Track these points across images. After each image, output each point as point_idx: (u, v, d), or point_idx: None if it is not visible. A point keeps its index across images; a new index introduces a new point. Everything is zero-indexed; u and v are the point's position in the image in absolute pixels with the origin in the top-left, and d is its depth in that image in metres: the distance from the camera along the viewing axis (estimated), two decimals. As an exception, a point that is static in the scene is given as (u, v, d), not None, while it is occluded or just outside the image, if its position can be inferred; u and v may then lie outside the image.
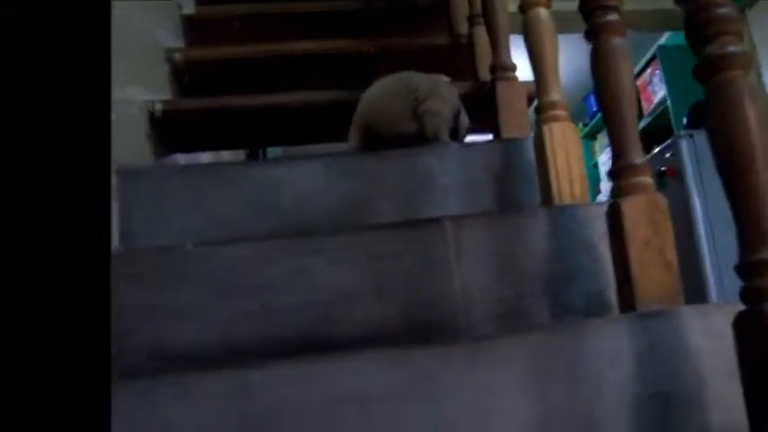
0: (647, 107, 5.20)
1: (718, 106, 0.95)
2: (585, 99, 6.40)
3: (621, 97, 1.23)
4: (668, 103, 4.80)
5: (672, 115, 4.73)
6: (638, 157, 1.24)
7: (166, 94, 2.22)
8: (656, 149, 4.15)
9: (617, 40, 1.25)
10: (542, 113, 1.61)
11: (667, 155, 3.91)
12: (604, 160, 6.21)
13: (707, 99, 0.96)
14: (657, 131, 4.83)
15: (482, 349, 1.02)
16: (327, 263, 1.32)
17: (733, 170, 0.93)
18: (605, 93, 1.24)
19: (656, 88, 5.07)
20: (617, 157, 1.24)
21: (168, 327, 1.29)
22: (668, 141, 3.97)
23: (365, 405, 0.99)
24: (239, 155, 3.31)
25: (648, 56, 5.11)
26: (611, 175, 1.25)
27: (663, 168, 3.88)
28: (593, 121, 6.36)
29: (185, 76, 2.38)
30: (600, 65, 1.25)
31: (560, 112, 1.60)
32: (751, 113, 0.93)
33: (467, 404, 1.00)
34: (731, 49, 0.95)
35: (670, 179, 3.82)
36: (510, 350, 1.03)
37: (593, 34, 1.26)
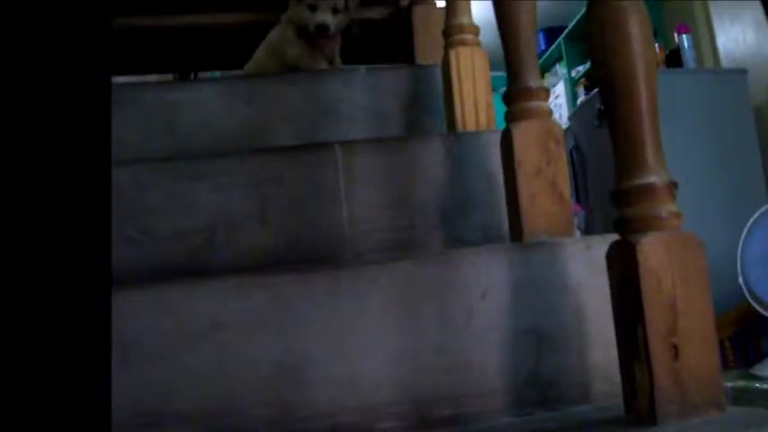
0: (595, 44, 5.13)
1: (599, 21, 0.90)
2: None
3: (517, 16, 1.17)
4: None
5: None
6: (534, 81, 1.18)
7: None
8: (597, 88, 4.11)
9: None
10: (449, 37, 1.54)
11: (608, 92, 3.87)
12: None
13: (588, 14, 0.91)
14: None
15: (345, 277, 0.98)
16: (211, 188, 1.26)
17: (613, 89, 0.89)
18: (501, 14, 1.18)
19: (605, 25, 5.00)
20: (511, 80, 1.19)
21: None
22: (609, 79, 3.92)
23: (219, 333, 0.94)
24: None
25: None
26: (505, 99, 1.20)
27: (602, 107, 3.85)
28: (539, 60, 6.31)
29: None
30: None
31: (468, 36, 1.54)
32: (634, 30, 0.88)
33: (325, 336, 0.96)
34: (613, -39, 0.89)
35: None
36: (377, 279, 0.98)
37: None
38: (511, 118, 1.18)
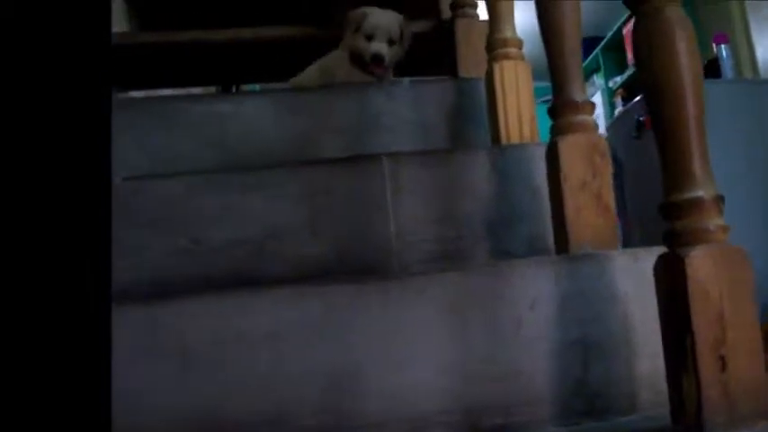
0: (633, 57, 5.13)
1: (646, 36, 0.91)
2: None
3: (563, 30, 1.19)
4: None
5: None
6: (579, 94, 1.20)
7: (122, 28, 2.17)
8: (636, 99, 4.10)
9: None
10: (493, 50, 1.56)
11: (646, 103, 3.85)
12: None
13: (635, 28, 0.93)
14: (641, 80, 4.76)
15: (396, 287, 1.00)
16: (262, 198, 1.29)
17: (660, 103, 0.90)
18: (545, 25, 1.20)
19: (642, 36, 4.98)
20: (557, 93, 1.21)
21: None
22: (648, 90, 3.91)
23: (275, 340, 0.97)
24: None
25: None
26: (551, 112, 1.21)
27: (641, 118, 3.83)
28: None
29: (141, 12, 2.32)
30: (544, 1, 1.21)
31: (512, 50, 1.56)
32: (681, 45, 0.89)
33: (377, 343, 0.98)
34: (660, -23, 0.91)
35: (647, 129, 3.77)
36: (427, 289, 1.01)
37: None
38: (557, 131, 1.20)
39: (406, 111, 1.65)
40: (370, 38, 1.80)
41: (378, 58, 1.79)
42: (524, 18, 1.72)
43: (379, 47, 1.79)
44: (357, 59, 1.82)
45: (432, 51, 2.03)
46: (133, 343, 0.97)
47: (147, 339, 0.97)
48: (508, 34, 1.57)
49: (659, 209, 0.90)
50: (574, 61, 1.21)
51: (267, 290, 1.01)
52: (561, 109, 1.20)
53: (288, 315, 0.98)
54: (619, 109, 5.00)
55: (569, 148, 1.17)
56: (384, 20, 1.81)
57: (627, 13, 5.04)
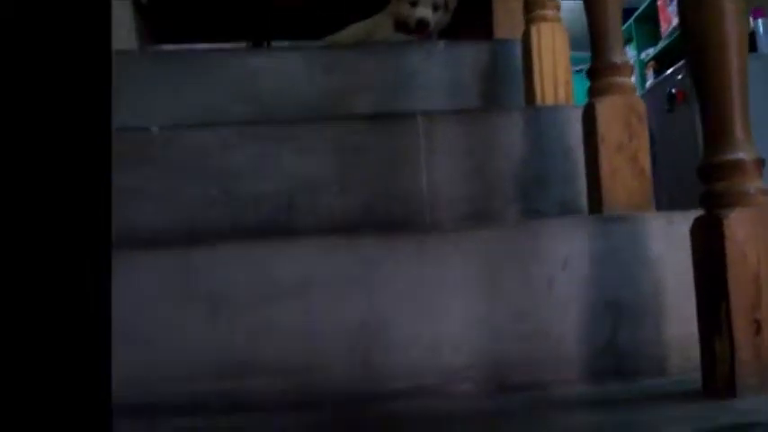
0: (666, 29, 5.06)
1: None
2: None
3: (603, -7, 1.18)
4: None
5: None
6: (618, 57, 1.19)
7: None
8: (668, 71, 4.05)
9: None
10: (530, 12, 1.55)
11: (679, 77, 3.81)
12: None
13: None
14: (675, 54, 4.71)
15: (429, 241, 1.00)
16: (293, 151, 1.29)
17: (704, 64, 0.89)
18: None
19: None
20: (596, 55, 1.19)
21: (134, 209, 1.27)
22: (680, 63, 3.87)
23: (305, 290, 0.97)
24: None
25: (671, -26, 4.96)
26: (589, 73, 1.20)
27: (673, 90, 3.79)
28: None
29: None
30: None
31: (550, 12, 1.54)
32: (729, 4, 0.88)
33: (407, 296, 0.98)
34: (710, -62, 0.89)
35: (679, 103, 3.74)
36: (459, 245, 1.00)
37: None
38: (594, 93, 1.19)
39: (441, 71, 1.64)
40: (414, 4, 1.78)
41: (422, 24, 1.77)
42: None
43: (424, 12, 1.77)
44: (402, 26, 1.80)
45: (468, 13, 2.01)
46: (163, 286, 0.98)
47: (177, 283, 0.98)
48: (547, -6, 1.55)
49: (698, 171, 0.89)
50: (613, 23, 1.20)
51: (299, 240, 1.02)
52: (600, 70, 1.19)
53: (320, 265, 0.98)
54: (650, 81, 4.94)
55: (607, 109, 1.16)
56: None
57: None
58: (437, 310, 0.98)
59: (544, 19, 1.53)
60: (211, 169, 1.28)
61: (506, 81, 1.65)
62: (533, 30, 1.53)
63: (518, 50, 1.64)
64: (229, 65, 1.62)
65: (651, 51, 5.36)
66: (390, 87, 1.61)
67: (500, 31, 1.87)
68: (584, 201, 1.28)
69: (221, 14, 2.17)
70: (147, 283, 0.98)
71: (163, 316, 0.97)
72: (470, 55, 1.66)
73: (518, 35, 1.73)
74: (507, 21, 1.88)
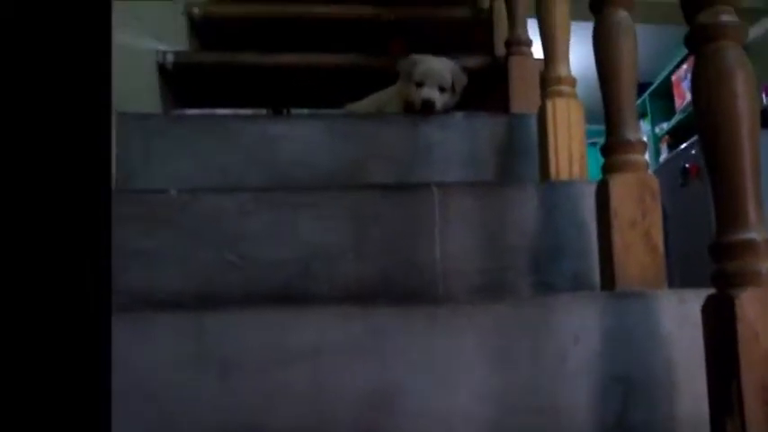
0: (681, 103, 5.11)
1: (706, 76, 0.92)
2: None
3: (619, 71, 1.20)
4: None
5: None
6: (633, 134, 1.20)
7: (183, 47, 2.22)
8: (683, 146, 4.08)
9: (621, 14, 1.21)
10: (547, 87, 1.57)
11: (693, 151, 3.85)
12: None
13: (695, 69, 0.94)
14: (690, 129, 4.75)
15: (443, 313, 1.01)
16: (310, 218, 1.31)
17: (717, 143, 0.90)
18: (603, 65, 1.21)
19: (692, 84, 4.94)
20: (610, 132, 1.21)
21: (151, 271, 1.28)
22: (695, 138, 3.90)
23: (317, 357, 0.98)
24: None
25: (687, 51, 4.98)
26: (603, 150, 1.22)
27: (686, 165, 3.82)
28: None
29: (203, 32, 2.37)
30: (600, 37, 1.22)
31: (566, 88, 1.56)
32: (740, 86, 0.89)
33: (419, 368, 0.98)
34: (724, 18, 0.91)
35: (693, 177, 3.76)
36: (473, 318, 1.01)
37: (597, 7, 1.23)
38: (608, 169, 1.20)
39: (458, 143, 1.67)
40: (420, 84, 1.79)
41: (427, 105, 1.77)
42: (575, 60, 1.73)
43: (430, 93, 1.78)
44: (409, 106, 1.81)
45: (484, 87, 2.04)
46: (176, 347, 0.99)
47: (190, 345, 0.99)
48: (563, 72, 1.58)
49: (710, 250, 0.90)
50: (628, 100, 1.22)
51: (312, 308, 1.02)
52: (614, 147, 1.21)
53: (332, 334, 0.99)
54: (664, 156, 4.97)
55: (620, 186, 1.18)
56: (436, 67, 1.81)
57: (676, 59, 5.04)
58: (449, 381, 0.99)
59: (560, 94, 1.56)
60: (228, 234, 1.29)
61: (522, 155, 1.67)
62: (549, 105, 1.55)
63: (534, 125, 1.67)
64: (249, 131, 1.65)
65: (665, 126, 5.41)
66: (408, 157, 1.64)
67: (516, 106, 1.90)
68: (596, 275, 1.28)
69: (243, 82, 2.21)
70: (161, 343, 0.99)
71: (176, 376, 0.98)
72: (487, 128, 1.69)
73: (534, 110, 1.76)
74: (524, 95, 1.91)
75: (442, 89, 1.79)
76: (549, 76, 1.58)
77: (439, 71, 1.80)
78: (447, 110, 1.81)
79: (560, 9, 1.59)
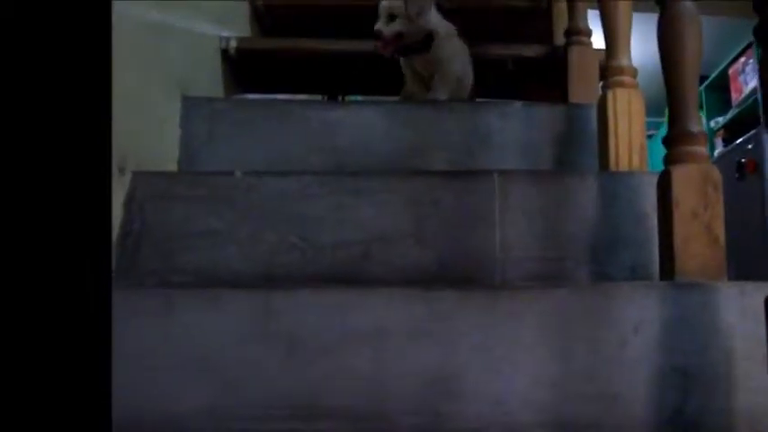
0: (737, 97, 5.03)
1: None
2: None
3: (682, 61, 1.20)
4: (758, 94, 4.63)
5: (761, 107, 4.57)
6: (695, 125, 1.20)
7: (246, 33, 2.25)
8: (739, 140, 4.03)
9: (686, 3, 1.21)
10: (608, 78, 1.57)
11: (749, 146, 3.80)
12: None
13: (761, 63, 0.94)
14: (745, 123, 4.68)
15: (503, 297, 1.02)
16: (371, 203, 1.33)
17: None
18: (666, 55, 1.21)
19: (748, 78, 4.89)
20: (673, 123, 1.21)
21: (214, 251, 1.31)
22: (752, 133, 3.85)
23: (378, 339, 0.99)
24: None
25: (744, 44, 4.93)
26: (666, 141, 1.22)
27: (743, 160, 3.77)
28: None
29: (264, 18, 2.39)
30: (664, 27, 1.22)
31: (627, 78, 1.56)
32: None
33: (479, 351, 1.00)
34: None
35: (749, 172, 3.71)
36: (533, 303, 1.02)
37: None
38: (670, 160, 1.20)
39: (517, 132, 1.67)
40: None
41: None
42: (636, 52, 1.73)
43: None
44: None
45: (542, 76, 2.04)
46: (243, 324, 1.01)
47: (257, 323, 1.01)
48: (624, 62, 1.58)
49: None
50: (691, 91, 1.22)
51: (375, 290, 1.04)
52: (676, 138, 1.21)
53: (394, 316, 1.01)
54: (719, 150, 4.91)
55: (682, 177, 1.18)
56: (384, 2, 1.89)
57: (734, 53, 4.97)
58: (508, 366, 1.00)
59: (621, 84, 1.56)
60: (291, 216, 1.32)
61: (580, 145, 1.67)
62: (610, 95, 1.55)
63: (592, 115, 1.67)
64: (309, 116, 1.67)
65: (720, 120, 5.33)
66: (466, 145, 1.65)
67: (575, 95, 1.90)
68: (654, 267, 1.29)
69: (301, 67, 2.23)
70: (228, 320, 1.01)
71: (241, 354, 1.00)
72: (545, 117, 1.69)
73: (593, 100, 1.76)
74: (583, 85, 1.90)
75: (391, 17, 1.83)
76: (611, 66, 1.58)
77: (387, 5, 1.88)
78: (403, 37, 1.88)
79: (622, 3, 1.59)
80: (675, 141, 1.21)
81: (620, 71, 1.57)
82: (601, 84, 1.61)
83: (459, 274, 1.30)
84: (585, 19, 1.98)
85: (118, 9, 1.29)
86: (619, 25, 1.58)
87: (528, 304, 1.02)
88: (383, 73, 2.19)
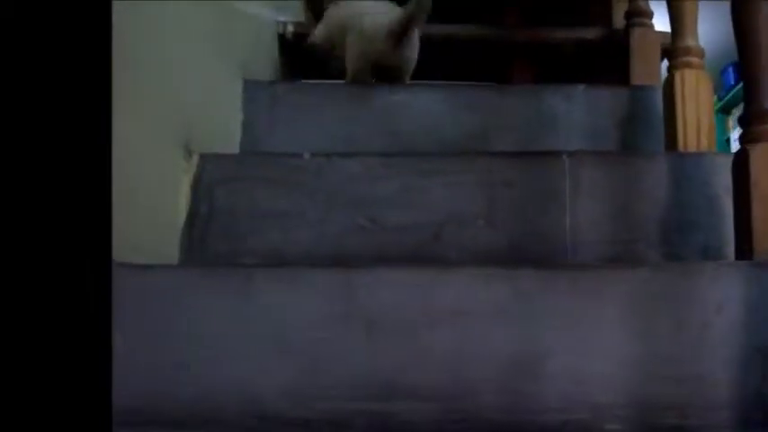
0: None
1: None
2: (723, 72, 6.14)
3: (757, 39, 1.18)
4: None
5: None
6: (772, 103, 1.18)
7: (300, 19, 2.25)
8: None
9: None
10: (675, 58, 1.55)
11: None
12: (737, 136, 5.95)
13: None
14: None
15: (586, 278, 1.01)
16: (441, 184, 1.32)
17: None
18: (741, 34, 1.19)
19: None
20: (749, 101, 1.19)
21: (282, 233, 1.32)
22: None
23: (460, 319, 0.99)
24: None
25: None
26: (742, 120, 1.20)
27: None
28: (729, 95, 6.10)
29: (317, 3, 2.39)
30: (739, 7, 1.20)
31: (694, 59, 1.54)
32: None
33: (562, 332, 0.99)
34: None
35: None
36: (615, 283, 1.01)
37: None
38: (747, 139, 1.18)
39: (580, 114, 1.66)
40: None
41: None
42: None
43: None
44: None
45: (603, 59, 2.02)
46: (323, 304, 1.01)
47: (337, 302, 1.01)
48: (691, 43, 1.55)
49: None
50: (765, 70, 1.19)
51: (455, 269, 1.04)
52: (753, 117, 1.19)
53: (474, 295, 1.00)
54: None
55: (761, 156, 1.15)
56: None
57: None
58: (589, 346, 0.99)
59: (688, 65, 1.54)
60: (359, 198, 1.32)
61: (645, 127, 1.65)
62: (677, 76, 1.53)
63: (656, 97, 1.64)
64: (371, 99, 1.67)
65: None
66: (531, 128, 1.64)
67: (637, 77, 1.87)
68: (727, 249, 1.27)
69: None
70: (307, 300, 1.01)
71: (321, 334, 1.00)
72: (609, 100, 1.68)
73: (655, 81, 1.74)
74: (644, 67, 1.88)
75: None
76: (678, 47, 1.56)
77: None
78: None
79: (687, -18, 1.57)
80: (752, 120, 1.19)
81: (688, 51, 1.55)
82: (666, 65, 1.58)
83: (531, 256, 1.29)
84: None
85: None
86: (685, 5, 1.56)
87: (610, 284, 1.01)
88: (437, 57, 2.18)
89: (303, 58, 2.13)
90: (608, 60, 1.99)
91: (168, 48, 1.25)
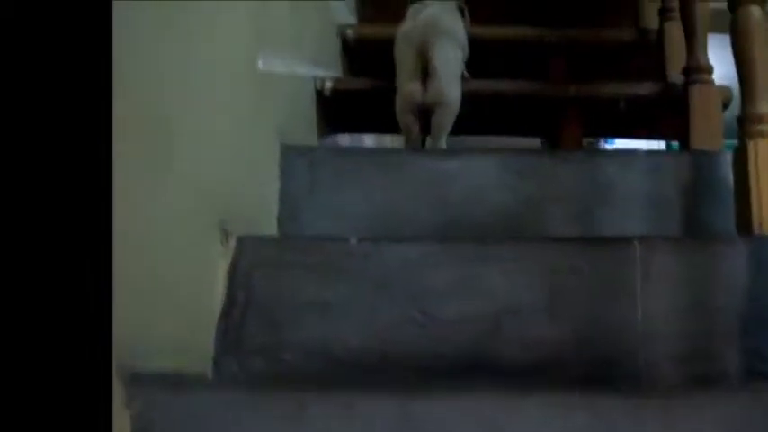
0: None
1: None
2: None
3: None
4: None
5: None
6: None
7: (336, 71, 2.15)
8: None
9: (753, 9, 1.40)
10: (748, 126, 1.42)
11: None
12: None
13: None
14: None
15: (675, 406, 0.89)
16: (499, 272, 1.21)
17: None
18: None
19: None
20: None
21: (327, 325, 1.21)
22: None
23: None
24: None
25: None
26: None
27: None
28: None
29: (354, 54, 2.30)
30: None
31: (769, 127, 1.42)
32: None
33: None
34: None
35: None
36: (706, 411, 0.90)
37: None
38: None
39: (639, 183, 1.55)
40: None
41: None
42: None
43: None
44: None
45: (653, 116, 1.92)
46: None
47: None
48: (765, 110, 1.43)
49: None
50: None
51: (531, 397, 0.92)
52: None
53: (554, 426, 0.89)
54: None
55: None
56: None
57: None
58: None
59: (762, 135, 1.41)
60: (411, 287, 1.21)
61: (710, 198, 1.54)
62: (751, 146, 1.40)
63: (722, 165, 1.53)
64: (416, 165, 1.58)
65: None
66: (586, 197, 1.53)
67: (698, 140, 1.76)
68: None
69: (390, 107, 2.13)
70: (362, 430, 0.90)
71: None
72: (671, 167, 1.57)
73: (717, 143, 1.63)
74: (706, 129, 1.76)
75: None
76: (750, 114, 1.43)
77: None
78: None
79: (760, 41, 1.45)
80: None
81: (761, 119, 1.42)
82: (738, 132, 1.46)
83: (598, 353, 1.18)
84: (706, 54, 1.84)
85: (219, 54, 1.21)
86: (758, 68, 1.44)
87: (701, 413, 0.89)
88: (482, 112, 2.09)
89: (339, 112, 2.04)
90: (660, 118, 1.88)
91: (202, 116, 1.15)
